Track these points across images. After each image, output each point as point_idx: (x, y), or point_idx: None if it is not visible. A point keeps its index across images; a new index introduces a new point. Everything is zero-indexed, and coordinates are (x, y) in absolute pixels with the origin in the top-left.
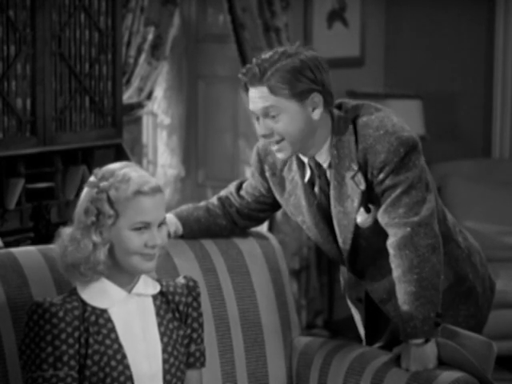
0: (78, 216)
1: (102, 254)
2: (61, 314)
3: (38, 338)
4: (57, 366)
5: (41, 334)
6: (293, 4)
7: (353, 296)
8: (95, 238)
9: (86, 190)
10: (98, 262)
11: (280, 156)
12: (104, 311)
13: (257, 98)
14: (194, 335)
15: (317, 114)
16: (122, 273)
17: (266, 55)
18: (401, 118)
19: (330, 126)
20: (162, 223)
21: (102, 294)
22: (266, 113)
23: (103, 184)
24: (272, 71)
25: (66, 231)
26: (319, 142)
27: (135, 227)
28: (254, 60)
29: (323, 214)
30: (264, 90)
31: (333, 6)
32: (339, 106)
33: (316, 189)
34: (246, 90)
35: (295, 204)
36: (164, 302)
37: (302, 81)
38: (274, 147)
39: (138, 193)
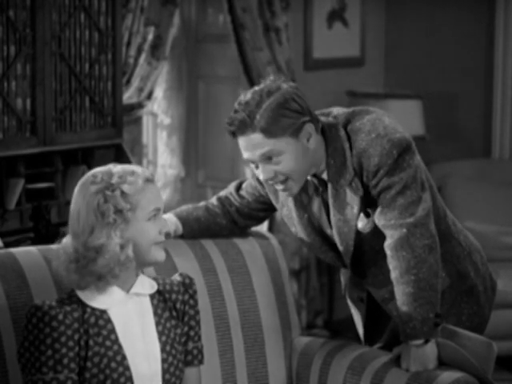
0: (89, 224)
1: (129, 250)
2: (60, 316)
3: (37, 341)
4: (57, 369)
5: (40, 337)
6: (293, 4)
7: (354, 296)
8: (118, 239)
9: (89, 197)
10: (129, 259)
11: (288, 195)
12: (104, 312)
13: (252, 145)
14: (191, 333)
15: (312, 144)
16: (122, 272)
17: (247, 98)
18: (394, 119)
19: (323, 141)
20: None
21: (101, 294)
22: (266, 158)
23: (115, 180)
24: (260, 113)
25: (68, 248)
26: (318, 162)
27: (150, 216)
28: (237, 106)
29: (314, 226)
30: (258, 136)
31: (333, 6)
32: (328, 114)
33: (315, 203)
34: (234, 137)
35: (287, 215)
36: (161, 300)
37: (292, 116)
38: (280, 187)
39: (147, 181)
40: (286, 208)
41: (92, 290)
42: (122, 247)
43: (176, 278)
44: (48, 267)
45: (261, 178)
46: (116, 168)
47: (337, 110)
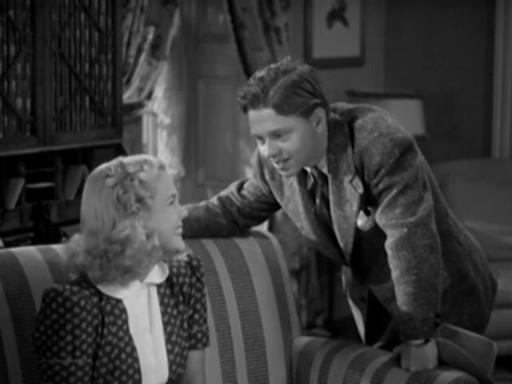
0: (110, 218)
1: (155, 239)
2: (82, 302)
3: (56, 326)
4: (75, 355)
5: (61, 321)
6: (293, 4)
7: (356, 295)
8: (142, 229)
9: (106, 191)
10: (156, 249)
11: (285, 174)
12: (119, 301)
13: (262, 121)
14: (196, 316)
15: (321, 128)
16: (151, 262)
17: (262, 74)
18: (396, 119)
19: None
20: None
21: (117, 284)
22: (275, 135)
23: (132, 170)
24: (274, 90)
25: (82, 246)
26: (321, 152)
27: (169, 202)
28: (251, 80)
29: (320, 221)
30: (270, 111)
31: (333, 5)
32: (334, 110)
33: (317, 197)
34: (245, 112)
35: (293, 210)
36: (168, 286)
37: (305, 96)
38: (279, 165)
39: (161, 168)
40: (292, 203)
41: (116, 285)
42: (148, 236)
43: (183, 258)
44: (48, 267)
45: (265, 153)
46: (126, 159)
47: (341, 106)
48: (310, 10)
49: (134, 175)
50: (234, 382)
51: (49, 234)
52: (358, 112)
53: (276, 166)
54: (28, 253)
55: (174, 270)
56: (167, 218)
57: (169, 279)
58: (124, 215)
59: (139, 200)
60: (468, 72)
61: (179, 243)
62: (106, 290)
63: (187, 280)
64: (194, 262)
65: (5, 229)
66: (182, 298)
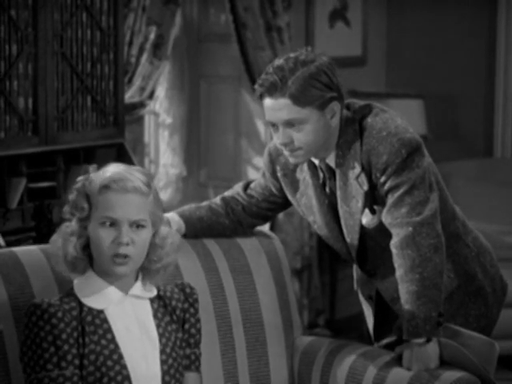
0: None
1: (71, 246)
2: (60, 314)
3: (38, 339)
4: (61, 366)
5: (41, 334)
6: (294, 3)
7: (364, 293)
8: (74, 226)
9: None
10: (67, 253)
11: (293, 161)
12: (100, 312)
13: (278, 109)
14: (191, 340)
15: (334, 122)
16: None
17: (281, 63)
18: (405, 120)
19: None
20: (138, 225)
21: (98, 294)
22: (289, 124)
23: (85, 176)
24: (292, 80)
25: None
26: (331, 145)
27: (102, 221)
28: (270, 69)
29: (333, 214)
30: (286, 101)
31: (334, 5)
32: (347, 107)
33: (327, 189)
34: (261, 99)
35: (306, 204)
36: (161, 305)
37: (322, 89)
38: (288, 153)
39: (106, 188)
40: (306, 196)
41: (87, 289)
42: (66, 242)
43: (177, 286)
44: (50, 266)
45: (278, 141)
46: (108, 167)
47: (354, 103)
48: (312, 10)
49: (84, 182)
50: (235, 381)
51: (50, 233)
52: (368, 110)
53: (286, 153)
54: (30, 252)
55: (168, 293)
56: (96, 236)
57: (161, 299)
58: (65, 212)
59: (76, 206)
60: (470, 72)
61: (114, 268)
62: (88, 301)
63: (179, 305)
64: (187, 290)
65: (6, 228)
66: (175, 318)
